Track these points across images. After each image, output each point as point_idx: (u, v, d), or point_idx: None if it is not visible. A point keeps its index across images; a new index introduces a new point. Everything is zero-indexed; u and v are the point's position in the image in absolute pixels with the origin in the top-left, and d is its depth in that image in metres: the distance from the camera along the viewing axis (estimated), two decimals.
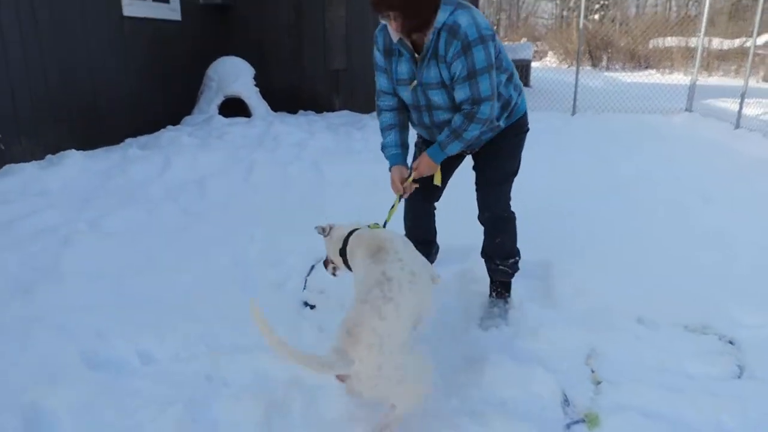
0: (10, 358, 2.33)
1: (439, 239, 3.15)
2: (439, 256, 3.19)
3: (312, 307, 2.91)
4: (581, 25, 9.96)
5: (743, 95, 7.65)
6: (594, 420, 2.07)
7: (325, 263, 2.53)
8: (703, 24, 9.30)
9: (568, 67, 19.38)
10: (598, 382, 2.26)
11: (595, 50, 20.07)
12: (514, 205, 2.84)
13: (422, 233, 2.98)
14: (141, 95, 6.88)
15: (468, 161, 2.81)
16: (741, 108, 7.62)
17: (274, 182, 5.08)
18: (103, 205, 4.29)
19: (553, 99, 9.46)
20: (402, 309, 1.82)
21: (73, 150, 5.43)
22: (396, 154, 2.58)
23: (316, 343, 2.48)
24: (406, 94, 2.48)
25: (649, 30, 18.61)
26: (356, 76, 8.79)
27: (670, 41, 17.57)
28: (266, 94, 8.22)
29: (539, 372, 2.27)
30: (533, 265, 3.21)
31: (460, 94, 2.32)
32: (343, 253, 2.27)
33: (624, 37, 19.76)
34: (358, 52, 8.67)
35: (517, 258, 2.87)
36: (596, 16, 24.60)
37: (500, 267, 2.85)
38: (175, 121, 7.45)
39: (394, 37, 2.32)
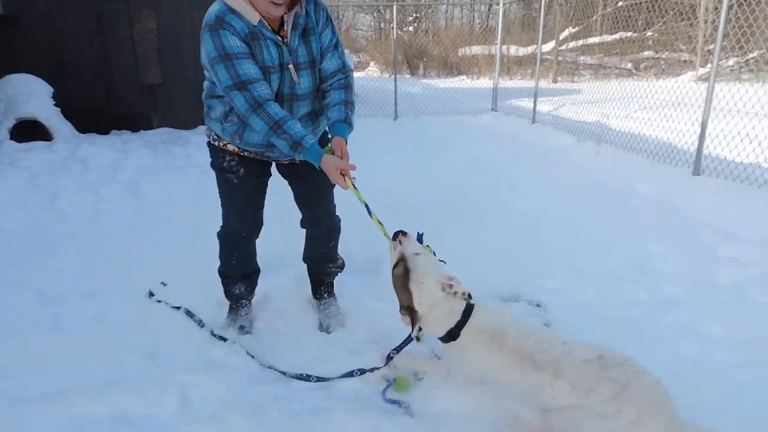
0: None
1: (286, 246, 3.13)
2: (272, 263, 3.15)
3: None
4: (395, 36, 10.62)
5: (536, 95, 8.75)
6: (403, 383, 2.25)
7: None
8: (499, 34, 10.47)
9: (390, 76, 20.44)
10: (437, 357, 2.44)
11: (411, 59, 21.42)
12: (340, 206, 2.88)
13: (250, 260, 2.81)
14: None
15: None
16: (535, 106, 8.70)
17: (83, 208, 4.59)
18: None
19: (377, 106, 9.89)
20: None
21: None
22: (317, 142, 2.22)
23: (140, 374, 2.31)
24: (273, 84, 2.26)
25: (457, 39, 20.39)
26: (174, 90, 8.28)
27: (476, 49, 19.40)
28: (69, 113, 7.33)
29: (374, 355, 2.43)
30: (366, 262, 3.31)
31: (332, 64, 2.38)
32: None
33: (436, 47, 21.37)
34: (173, 65, 8.19)
35: (341, 259, 2.94)
36: (411, 28, 26.28)
37: (332, 269, 2.90)
38: None
39: (254, 18, 2.12)
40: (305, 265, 2.94)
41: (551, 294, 3.00)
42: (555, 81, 17.37)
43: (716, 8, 13.15)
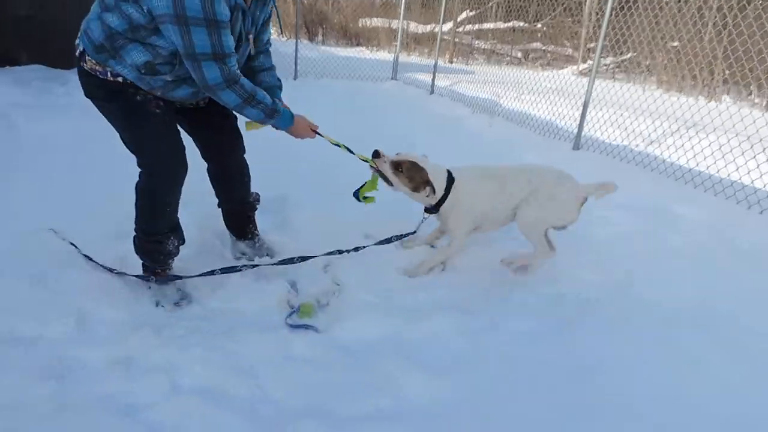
0: None
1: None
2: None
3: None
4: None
5: (435, 68, 9.03)
6: (307, 309, 2.35)
7: None
8: (402, 10, 10.57)
9: (286, 40, 19.86)
10: (337, 284, 2.58)
11: (311, 24, 20.94)
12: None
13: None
14: None
15: None
16: (434, 78, 8.97)
17: None
18: None
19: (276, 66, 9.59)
20: None
21: None
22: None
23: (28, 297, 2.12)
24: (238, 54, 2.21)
25: (358, 10, 20.27)
26: (48, 25, 7.37)
27: (377, 21, 19.44)
28: None
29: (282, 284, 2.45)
30: (270, 201, 3.26)
31: (268, 33, 2.38)
32: None
33: (337, 15, 21.09)
34: None
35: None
36: None
37: (255, 203, 2.89)
38: None
39: None
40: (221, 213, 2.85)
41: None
42: (451, 61, 17.92)
43: (599, 11, 14.36)
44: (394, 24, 17.31)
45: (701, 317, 2.52)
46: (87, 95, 2.23)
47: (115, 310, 2.16)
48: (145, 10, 1.97)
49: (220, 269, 2.48)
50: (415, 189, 2.68)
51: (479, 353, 2.19)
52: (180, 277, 2.41)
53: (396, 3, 15.13)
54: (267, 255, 2.87)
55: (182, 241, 2.49)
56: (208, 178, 2.71)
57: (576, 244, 3.29)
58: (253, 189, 2.86)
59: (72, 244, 2.62)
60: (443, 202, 2.75)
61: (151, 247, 2.39)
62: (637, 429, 1.85)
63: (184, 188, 2.35)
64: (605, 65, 14.84)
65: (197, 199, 2.72)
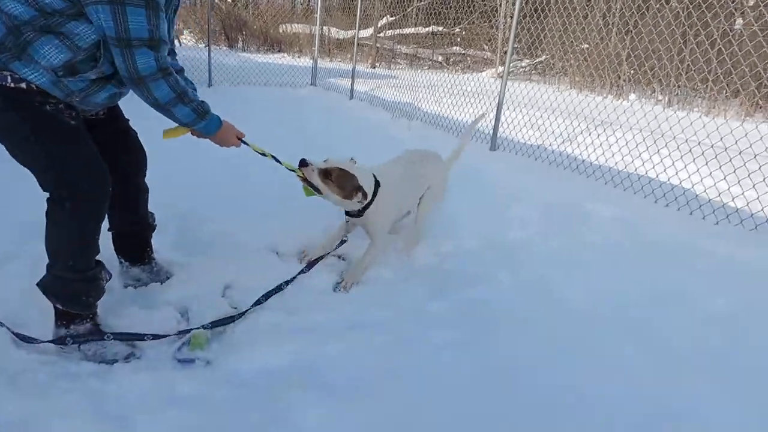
0: None
1: None
2: None
3: None
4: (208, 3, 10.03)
5: (353, 73, 8.91)
6: (199, 340, 2.08)
7: None
8: (318, 17, 10.46)
9: (205, 46, 19.16)
10: (235, 308, 2.35)
11: (230, 31, 20.34)
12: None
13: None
14: None
15: None
16: (353, 84, 8.84)
17: None
18: None
19: (189, 74, 9.13)
20: None
21: None
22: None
23: None
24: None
25: (278, 16, 19.90)
26: None
27: (297, 27, 19.15)
28: None
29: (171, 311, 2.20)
30: (167, 219, 2.98)
31: (173, 30, 2.10)
32: None
33: (257, 21, 20.60)
34: None
35: None
36: None
37: (154, 223, 2.59)
38: None
39: None
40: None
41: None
42: (374, 66, 17.91)
43: (513, 16, 14.81)
44: (315, 30, 17.15)
45: (616, 315, 2.50)
46: None
47: None
48: None
49: (210, 323, 2.20)
50: (347, 197, 2.54)
51: (393, 371, 2.03)
52: (140, 337, 2.06)
53: (316, 9, 14.95)
54: (167, 278, 2.57)
55: (110, 274, 2.14)
56: None
57: (491, 246, 3.23)
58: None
59: None
60: (369, 205, 2.66)
61: (83, 288, 1.99)
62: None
63: None
64: (521, 67, 15.32)
65: None
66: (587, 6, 11.62)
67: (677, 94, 12.06)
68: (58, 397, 1.69)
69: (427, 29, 17.24)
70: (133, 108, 2.31)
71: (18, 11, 1.68)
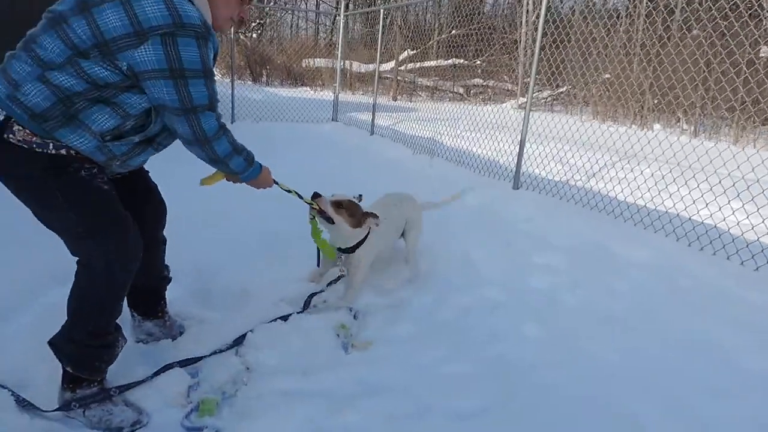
0: None
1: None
2: None
3: None
4: (233, 36, 10.22)
5: (374, 107, 8.92)
6: (208, 406, 1.99)
7: None
8: (340, 44, 10.51)
9: (229, 81, 19.56)
10: (247, 368, 2.26)
11: (254, 66, 20.78)
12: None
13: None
14: None
15: None
16: (374, 118, 8.86)
17: None
18: None
19: None
20: None
21: None
22: None
23: None
24: None
25: (301, 51, 20.28)
26: None
27: (320, 62, 19.46)
28: None
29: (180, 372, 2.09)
30: (185, 269, 2.93)
31: None
32: None
33: (280, 56, 21.03)
34: None
35: None
36: (254, 35, 25.57)
37: (169, 277, 2.54)
38: None
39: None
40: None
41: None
42: (395, 99, 18.06)
43: (533, 47, 14.84)
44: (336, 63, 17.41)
45: (650, 378, 2.33)
46: (2, 172, 1.80)
47: None
48: (123, 68, 1.69)
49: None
50: (356, 225, 2.76)
51: None
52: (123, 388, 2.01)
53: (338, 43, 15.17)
54: (179, 333, 2.51)
55: (125, 340, 2.08)
56: None
57: (514, 296, 3.09)
58: None
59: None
60: (364, 241, 2.86)
61: (98, 353, 1.94)
62: None
63: None
64: (543, 99, 15.24)
65: None
66: (608, 36, 11.55)
67: (703, 123, 11.83)
68: None
69: (447, 62, 17.35)
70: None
71: (69, 84, 1.70)
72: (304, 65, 20.26)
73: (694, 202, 4.34)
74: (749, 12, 8.24)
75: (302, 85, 20.43)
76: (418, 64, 18.00)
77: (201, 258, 3.14)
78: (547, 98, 15.46)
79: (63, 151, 1.78)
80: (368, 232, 2.87)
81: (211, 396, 2.03)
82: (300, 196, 2.59)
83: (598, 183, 5.52)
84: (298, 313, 2.64)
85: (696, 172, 4.71)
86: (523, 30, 16.56)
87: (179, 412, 1.99)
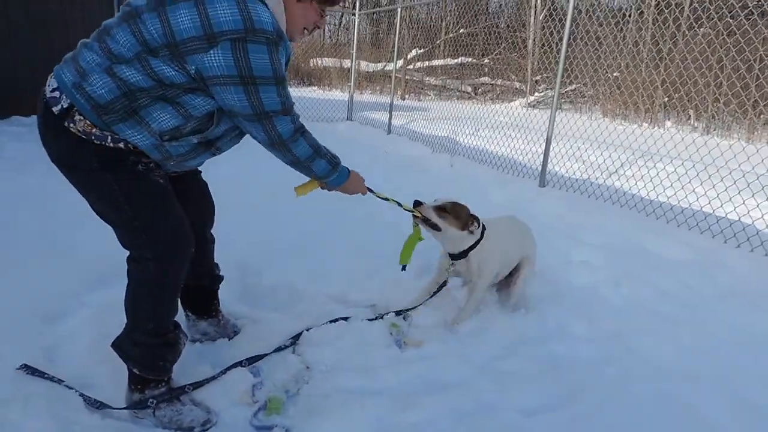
0: None
1: None
2: None
3: None
4: None
5: (391, 107, 8.91)
6: (275, 404, 2.00)
7: None
8: (354, 50, 10.48)
9: None
10: (307, 367, 2.26)
11: None
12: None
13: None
14: None
15: None
16: (390, 118, 8.85)
17: None
18: None
19: None
20: None
21: None
22: None
23: None
24: None
25: (308, 50, 20.27)
26: None
27: (328, 61, 19.46)
28: None
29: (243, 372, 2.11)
30: (234, 269, 2.94)
31: None
32: None
33: None
34: None
35: None
36: None
37: (221, 276, 2.53)
38: None
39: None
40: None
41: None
42: (403, 98, 18.05)
43: (542, 46, 14.81)
44: (345, 63, 17.39)
45: (716, 376, 2.33)
46: (61, 161, 1.80)
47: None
48: (191, 71, 1.68)
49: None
50: (463, 227, 2.61)
51: None
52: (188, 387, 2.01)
53: (345, 43, 15.19)
54: (234, 333, 2.50)
55: (186, 336, 2.08)
56: None
57: (559, 294, 3.08)
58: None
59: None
60: (475, 246, 2.68)
61: (162, 352, 1.93)
62: None
63: None
64: (551, 97, 15.20)
65: None
66: (619, 34, 11.53)
67: (715, 119, 11.81)
68: None
69: (455, 60, 17.34)
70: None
71: (135, 79, 1.68)
72: (311, 65, 20.26)
73: (717, 196, 4.35)
74: (760, 10, 8.22)
75: (310, 84, 20.44)
76: (426, 63, 17.99)
77: (243, 258, 3.13)
78: (561, 95, 15.44)
79: (121, 145, 1.76)
80: (482, 235, 2.70)
81: (277, 394, 2.04)
82: (399, 204, 2.51)
83: (620, 179, 5.51)
84: (369, 320, 2.60)
85: (719, 168, 4.71)
86: (531, 29, 16.53)
87: (245, 410, 1.99)
